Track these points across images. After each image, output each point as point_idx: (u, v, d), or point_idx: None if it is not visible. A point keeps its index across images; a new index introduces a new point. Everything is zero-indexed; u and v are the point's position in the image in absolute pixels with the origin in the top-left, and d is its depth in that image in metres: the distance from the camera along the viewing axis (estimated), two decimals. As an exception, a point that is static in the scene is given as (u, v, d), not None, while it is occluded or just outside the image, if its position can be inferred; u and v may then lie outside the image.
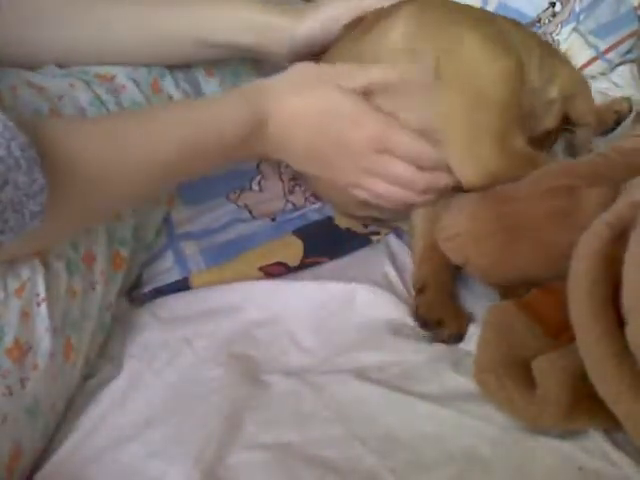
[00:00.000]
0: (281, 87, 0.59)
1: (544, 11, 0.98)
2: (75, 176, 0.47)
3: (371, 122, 0.59)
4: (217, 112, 0.57)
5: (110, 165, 0.50)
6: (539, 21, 0.98)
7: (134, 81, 0.69)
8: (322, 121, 0.59)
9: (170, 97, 0.72)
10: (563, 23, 0.97)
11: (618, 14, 0.97)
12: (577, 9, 0.97)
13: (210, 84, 0.78)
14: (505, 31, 0.62)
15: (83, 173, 0.48)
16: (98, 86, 0.66)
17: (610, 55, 0.95)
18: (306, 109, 0.58)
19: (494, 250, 0.56)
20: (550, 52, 0.66)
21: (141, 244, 0.68)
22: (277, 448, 0.47)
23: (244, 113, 0.57)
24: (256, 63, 0.89)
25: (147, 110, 0.60)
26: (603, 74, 0.94)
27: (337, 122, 0.59)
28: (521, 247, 0.55)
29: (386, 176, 0.61)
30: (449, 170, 0.60)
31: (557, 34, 0.97)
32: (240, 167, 0.78)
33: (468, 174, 0.59)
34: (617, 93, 0.88)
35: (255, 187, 0.77)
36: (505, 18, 0.67)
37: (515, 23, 0.66)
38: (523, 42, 0.62)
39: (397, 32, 0.60)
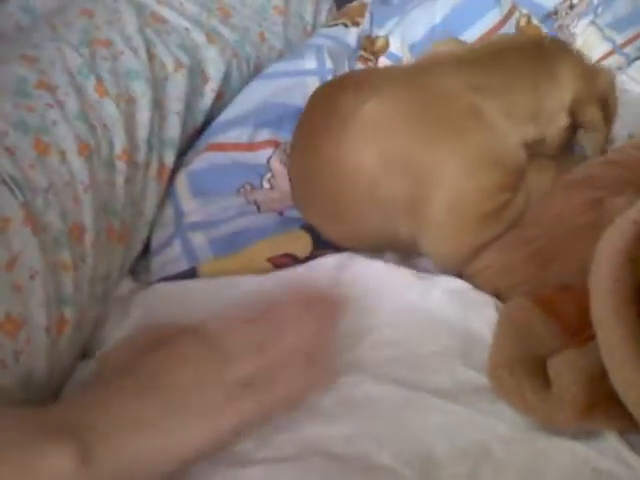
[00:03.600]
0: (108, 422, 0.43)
1: (561, 3, 0.96)
2: None
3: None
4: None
5: None
6: (556, 13, 0.96)
7: (131, 48, 0.69)
8: None
9: (163, 64, 0.72)
10: (580, 16, 0.95)
11: (636, 8, 0.96)
12: (595, 2, 0.95)
13: (210, 51, 0.78)
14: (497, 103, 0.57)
15: None
16: (96, 51, 0.66)
17: (627, 49, 0.93)
18: None
19: (526, 278, 0.54)
20: (561, 76, 0.63)
21: (141, 219, 0.68)
22: (291, 444, 0.46)
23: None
24: (262, 35, 0.89)
25: None
26: (620, 68, 0.93)
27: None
28: (553, 271, 0.53)
29: None
30: None
31: (574, 27, 0.95)
32: (251, 163, 0.77)
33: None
34: (635, 87, 0.87)
35: (266, 185, 0.76)
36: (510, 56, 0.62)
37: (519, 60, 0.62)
38: (524, 102, 0.58)
39: (369, 153, 0.57)
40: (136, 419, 0.43)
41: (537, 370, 0.47)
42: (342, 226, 0.63)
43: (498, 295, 0.56)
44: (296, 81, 0.83)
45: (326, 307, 0.52)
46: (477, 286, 0.57)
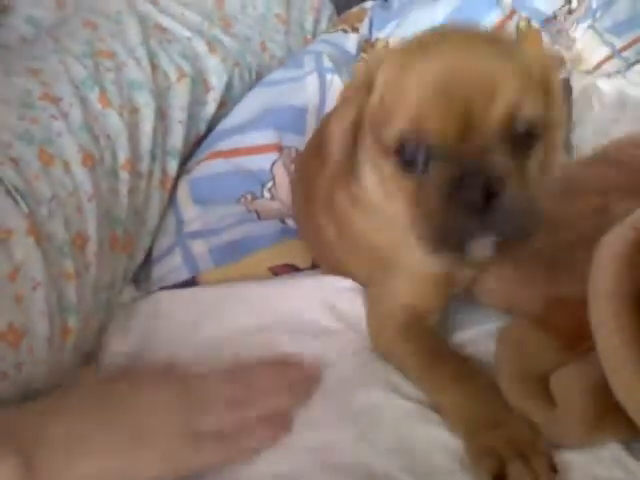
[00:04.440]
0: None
1: (560, 8, 0.96)
2: None
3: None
4: None
5: None
6: (555, 18, 0.96)
7: (134, 59, 0.70)
8: None
9: (166, 74, 0.73)
10: (579, 20, 0.95)
11: (635, 12, 0.96)
12: (594, 6, 0.95)
13: (212, 60, 0.79)
14: None
15: None
16: (99, 62, 0.67)
17: (626, 53, 0.93)
18: None
19: (535, 291, 0.53)
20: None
21: (144, 228, 0.68)
22: (290, 451, 0.47)
23: None
24: (263, 44, 0.90)
25: None
26: (619, 72, 0.93)
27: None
28: (562, 282, 0.52)
29: None
30: None
31: (573, 31, 0.95)
32: (253, 169, 0.77)
33: None
34: (634, 91, 0.87)
35: (267, 194, 0.76)
36: None
37: None
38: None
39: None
40: (88, 437, 0.41)
41: (541, 389, 0.46)
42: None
43: (511, 311, 0.55)
44: (296, 85, 0.84)
45: (304, 374, 0.53)
46: (490, 303, 0.56)
